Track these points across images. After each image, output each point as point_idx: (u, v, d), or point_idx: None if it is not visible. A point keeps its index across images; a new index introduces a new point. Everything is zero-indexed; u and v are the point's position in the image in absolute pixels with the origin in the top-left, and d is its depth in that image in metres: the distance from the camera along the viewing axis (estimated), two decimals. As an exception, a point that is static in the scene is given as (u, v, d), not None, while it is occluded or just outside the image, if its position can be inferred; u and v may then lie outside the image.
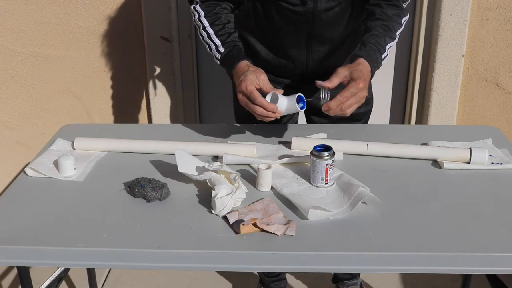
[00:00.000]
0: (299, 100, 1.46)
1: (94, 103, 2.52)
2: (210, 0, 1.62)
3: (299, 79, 1.76)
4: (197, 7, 1.62)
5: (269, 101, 1.44)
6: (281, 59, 1.71)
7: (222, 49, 1.57)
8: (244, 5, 1.65)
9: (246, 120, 1.79)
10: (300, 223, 1.23)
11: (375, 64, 1.52)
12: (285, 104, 1.45)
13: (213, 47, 1.58)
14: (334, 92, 1.45)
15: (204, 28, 1.60)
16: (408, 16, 1.63)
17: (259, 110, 1.43)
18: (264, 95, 1.45)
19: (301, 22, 1.60)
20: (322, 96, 1.44)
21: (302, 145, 1.53)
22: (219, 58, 1.58)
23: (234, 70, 1.53)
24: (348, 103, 1.42)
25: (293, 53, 1.68)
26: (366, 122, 1.88)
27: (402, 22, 1.62)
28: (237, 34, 1.61)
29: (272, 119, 1.45)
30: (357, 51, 1.53)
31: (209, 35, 1.59)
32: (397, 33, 1.60)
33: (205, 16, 1.61)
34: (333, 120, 1.82)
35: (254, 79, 1.45)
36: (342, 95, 1.41)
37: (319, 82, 1.45)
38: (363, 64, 1.48)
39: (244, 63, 1.53)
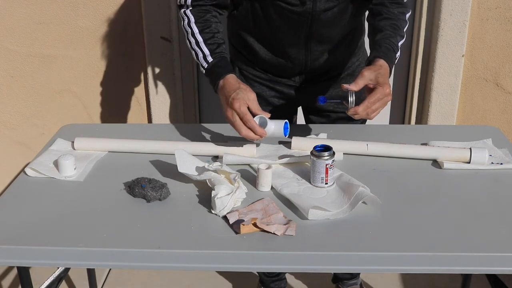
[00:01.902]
0: (285, 126, 1.46)
1: (94, 103, 2.52)
2: (201, 6, 1.60)
3: (297, 79, 1.76)
4: (187, 11, 1.60)
5: (258, 123, 1.43)
6: (280, 58, 1.71)
7: (210, 59, 1.55)
8: (243, 5, 1.65)
9: None
10: (300, 223, 1.23)
11: (392, 64, 1.53)
12: (272, 129, 1.45)
13: (201, 55, 1.56)
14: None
15: (193, 35, 1.58)
16: (410, 11, 1.65)
17: (246, 132, 1.42)
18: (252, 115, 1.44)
19: (299, 22, 1.60)
20: (350, 99, 1.42)
21: (302, 145, 1.53)
22: (206, 67, 1.55)
23: (221, 81, 1.50)
24: (374, 107, 1.41)
25: (291, 52, 1.68)
26: (364, 121, 1.88)
27: (407, 18, 1.63)
28: (225, 46, 1.59)
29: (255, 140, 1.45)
30: (375, 52, 1.53)
31: (197, 42, 1.57)
32: (404, 30, 1.61)
33: (195, 22, 1.59)
34: (331, 120, 1.82)
35: (246, 98, 1.44)
36: (370, 101, 1.41)
37: (345, 86, 1.43)
38: (384, 66, 1.48)
39: (233, 78, 1.51)
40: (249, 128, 1.42)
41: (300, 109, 1.93)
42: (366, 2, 1.63)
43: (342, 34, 1.68)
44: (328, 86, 1.77)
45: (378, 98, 1.41)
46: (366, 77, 1.44)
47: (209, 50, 1.55)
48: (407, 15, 1.63)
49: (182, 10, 1.62)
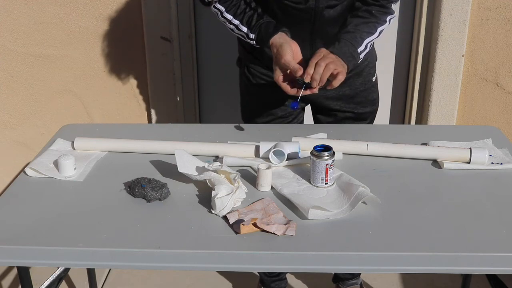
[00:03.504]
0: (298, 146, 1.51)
1: (94, 103, 2.52)
2: None
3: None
4: (217, 5, 1.65)
5: (273, 150, 1.47)
6: None
7: (251, 35, 1.62)
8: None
9: (252, 116, 1.80)
10: (300, 223, 1.23)
11: (349, 58, 1.56)
12: (288, 150, 1.48)
13: (245, 36, 1.64)
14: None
15: (230, 22, 1.65)
16: (394, 15, 1.67)
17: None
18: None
19: (303, 19, 1.61)
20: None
21: (302, 145, 1.53)
22: (254, 44, 1.63)
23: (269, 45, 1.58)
24: (318, 70, 1.48)
25: None
26: (371, 121, 1.88)
27: (387, 19, 1.65)
28: (260, 11, 1.64)
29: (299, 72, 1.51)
30: (330, 48, 1.57)
31: (236, 27, 1.64)
32: (379, 29, 1.63)
33: (226, 11, 1.64)
34: (338, 119, 1.82)
35: (288, 48, 1.52)
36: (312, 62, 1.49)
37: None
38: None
39: (273, 44, 1.56)
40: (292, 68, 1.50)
41: (308, 109, 1.93)
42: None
43: None
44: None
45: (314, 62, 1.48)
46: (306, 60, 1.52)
47: (247, 27, 1.62)
48: (389, 17, 1.65)
49: (212, 5, 1.68)
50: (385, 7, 1.64)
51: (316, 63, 1.48)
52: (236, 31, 1.64)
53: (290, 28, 1.65)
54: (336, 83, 1.49)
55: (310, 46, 1.68)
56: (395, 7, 1.69)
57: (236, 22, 1.63)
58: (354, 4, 1.63)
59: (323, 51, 1.52)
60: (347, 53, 1.55)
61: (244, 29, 1.62)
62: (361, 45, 1.59)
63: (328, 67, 1.47)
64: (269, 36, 1.57)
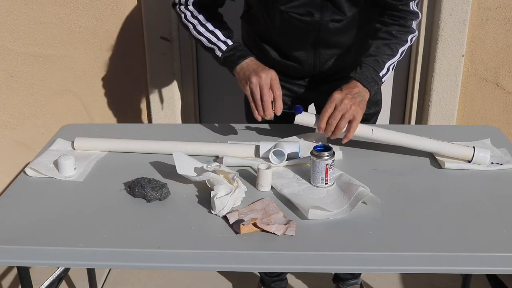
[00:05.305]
0: (298, 147, 1.51)
1: (94, 103, 2.52)
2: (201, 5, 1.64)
3: (307, 80, 1.77)
4: (190, 7, 1.62)
5: (273, 150, 1.47)
6: (289, 61, 1.72)
7: (230, 42, 1.58)
8: (254, 8, 1.66)
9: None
10: (300, 223, 1.23)
11: (372, 83, 1.54)
12: (288, 150, 1.48)
13: (214, 39, 1.59)
14: None
15: (201, 24, 1.61)
16: (416, 33, 1.63)
17: (259, 108, 1.50)
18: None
19: (308, 30, 1.61)
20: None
21: (305, 120, 1.52)
22: (224, 50, 1.57)
23: (245, 61, 1.55)
24: (333, 120, 1.47)
25: (300, 55, 1.69)
26: (374, 122, 1.88)
27: (408, 39, 1.61)
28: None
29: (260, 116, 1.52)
30: (352, 73, 1.56)
31: (208, 29, 1.60)
32: (400, 50, 1.60)
33: (199, 12, 1.61)
34: None
35: (271, 76, 1.51)
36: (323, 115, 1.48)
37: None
38: (355, 85, 1.52)
39: (257, 61, 1.56)
40: (263, 102, 1.48)
41: (311, 108, 1.93)
42: (375, 10, 1.62)
43: (352, 40, 1.68)
44: (338, 85, 1.78)
45: (330, 108, 1.47)
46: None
47: (225, 35, 1.60)
48: (410, 36, 1.61)
49: (182, 6, 1.63)
50: (405, 26, 1.60)
51: (331, 115, 1.47)
52: (205, 32, 1.60)
53: (294, 37, 1.65)
54: (350, 135, 1.48)
55: (313, 53, 1.69)
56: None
57: (210, 25, 1.60)
58: (360, 17, 1.62)
59: (335, 97, 1.49)
60: (369, 77, 1.54)
61: (221, 34, 1.59)
62: (383, 68, 1.57)
63: (344, 118, 1.47)
64: (250, 54, 1.57)
